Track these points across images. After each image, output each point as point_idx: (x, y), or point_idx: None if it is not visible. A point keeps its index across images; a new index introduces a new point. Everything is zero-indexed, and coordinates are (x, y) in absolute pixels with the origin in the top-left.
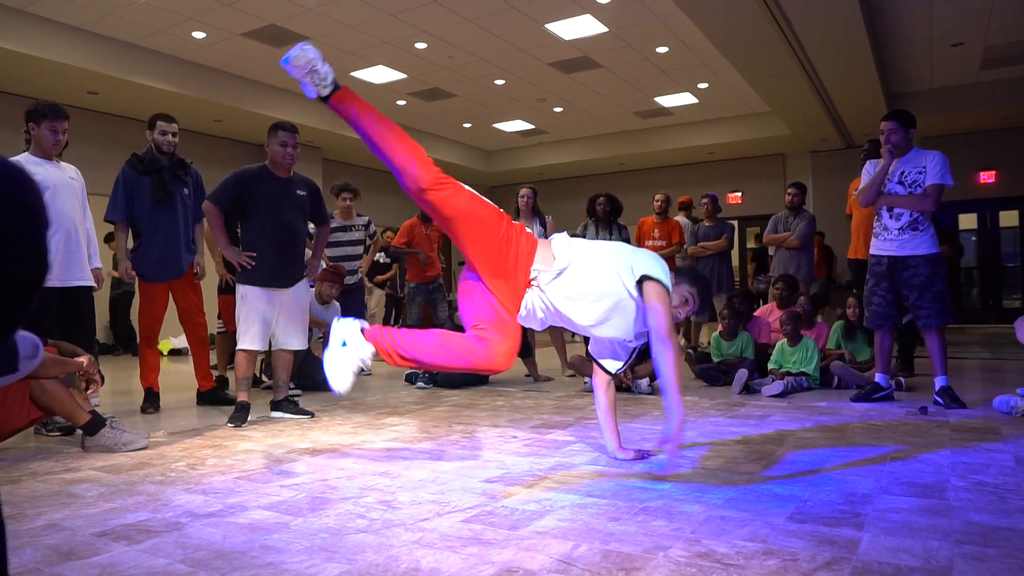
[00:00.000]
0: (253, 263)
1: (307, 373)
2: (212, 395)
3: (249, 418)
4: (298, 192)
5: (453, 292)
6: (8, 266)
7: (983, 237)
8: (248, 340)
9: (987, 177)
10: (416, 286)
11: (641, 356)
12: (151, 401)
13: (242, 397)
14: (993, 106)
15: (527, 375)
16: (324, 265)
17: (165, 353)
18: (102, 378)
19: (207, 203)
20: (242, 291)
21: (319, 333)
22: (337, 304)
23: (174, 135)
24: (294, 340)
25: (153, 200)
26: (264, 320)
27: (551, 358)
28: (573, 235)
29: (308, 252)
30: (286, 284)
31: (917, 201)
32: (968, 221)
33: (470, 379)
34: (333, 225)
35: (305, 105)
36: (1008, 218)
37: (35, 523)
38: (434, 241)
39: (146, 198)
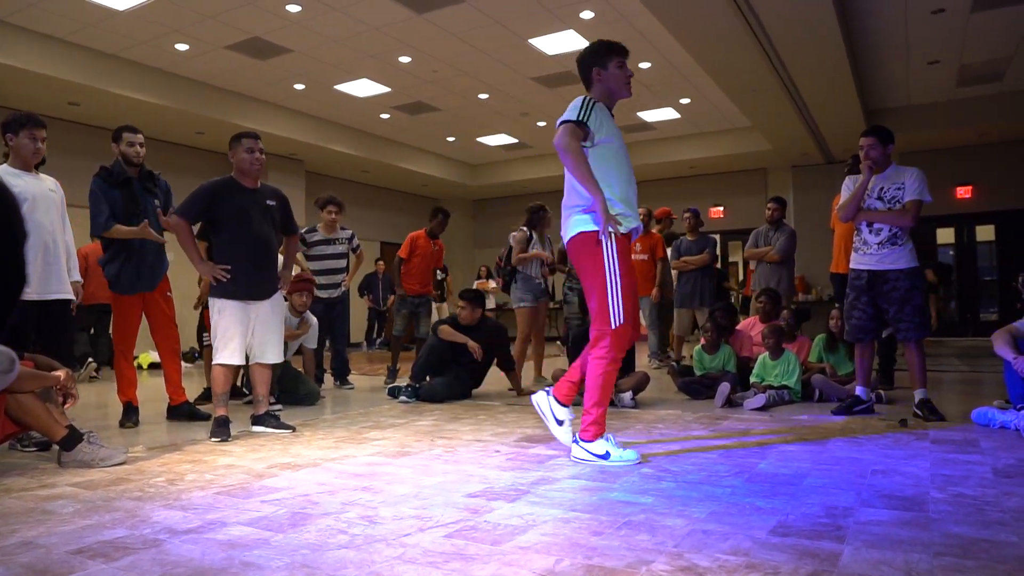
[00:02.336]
0: (228, 276)
1: (287, 387)
2: (183, 410)
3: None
4: (268, 202)
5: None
6: None
7: (960, 251)
8: (227, 355)
9: (964, 192)
10: (403, 298)
11: (625, 369)
12: (129, 415)
13: (221, 412)
14: (969, 123)
15: (510, 389)
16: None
17: (145, 367)
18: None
19: (175, 217)
20: (218, 305)
21: (295, 347)
22: (312, 316)
23: (141, 146)
24: (271, 353)
25: (124, 214)
26: (242, 334)
27: (533, 372)
28: (559, 250)
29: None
30: (262, 296)
31: (896, 217)
32: (945, 236)
33: (453, 393)
34: (317, 238)
35: (289, 118)
36: (984, 232)
37: (9, 541)
38: (434, 258)
39: (118, 211)
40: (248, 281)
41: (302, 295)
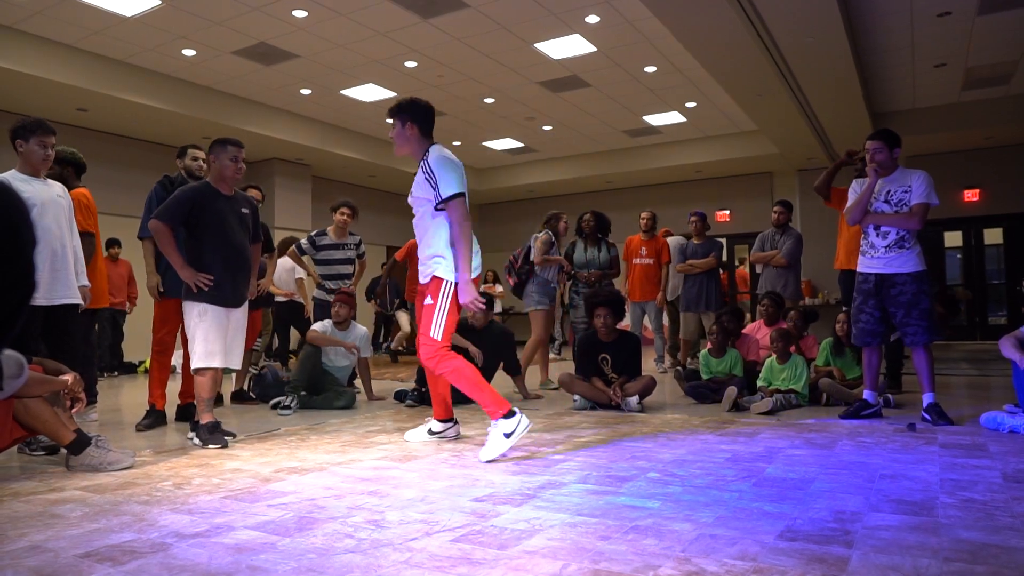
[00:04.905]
0: (211, 284)
1: (319, 389)
2: (188, 411)
3: (236, 436)
4: (243, 210)
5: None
6: None
7: (968, 255)
8: (210, 358)
9: (971, 195)
10: (412, 306)
11: (631, 374)
12: (148, 417)
13: (209, 418)
14: (975, 126)
15: (516, 392)
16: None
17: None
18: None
19: (155, 222)
20: (199, 309)
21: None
22: (361, 327)
23: (204, 161)
24: (237, 360)
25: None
26: (224, 338)
27: (539, 377)
28: (566, 253)
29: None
30: (238, 303)
31: (903, 220)
32: (953, 239)
33: (459, 397)
34: (326, 242)
35: (295, 122)
36: (992, 236)
37: (17, 544)
38: None
39: None
40: (228, 288)
41: (346, 307)
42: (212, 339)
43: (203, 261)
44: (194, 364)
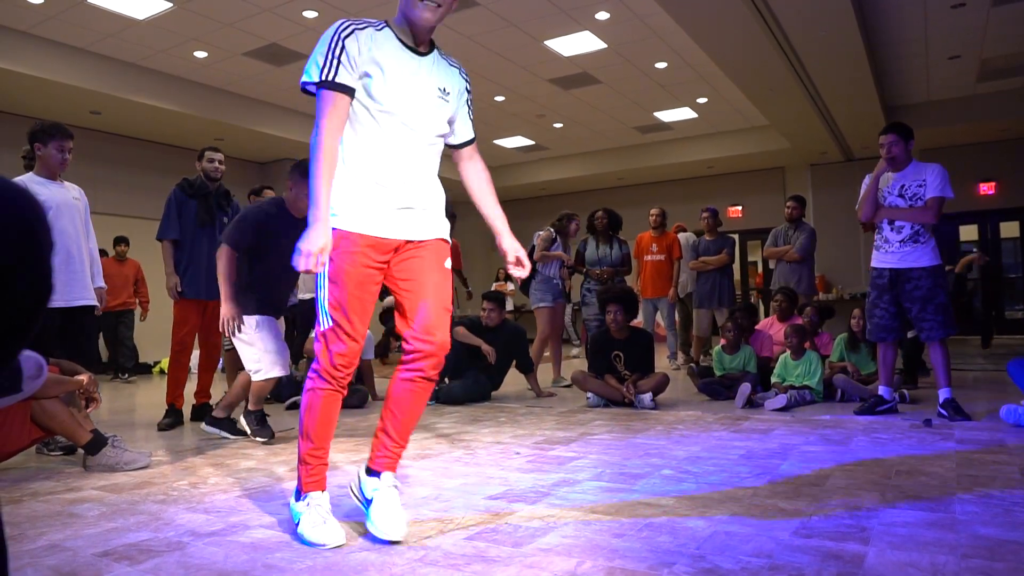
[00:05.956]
0: (240, 328)
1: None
2: (203, 410)
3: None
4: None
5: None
6: (11, 288)
7: (984, 248)
8: (273, 368)
9: (987, 188)
10: None
11: (644, 371)
12: (168, 416)
13: (257, 407)
14: (991, 118)
15: (529, 390)
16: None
17: (156, 372)
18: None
19: (225, 247)
20: (256, 320)
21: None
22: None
23: (220, 163)
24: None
25: (197, 223)
26: (280, 344)
27: (551, 374)
28: (578, 250)
29: None
30: (279, 315)
31: (918, 214)
32: (969, 232)
33: (472, 395)
34: None
35: (307, 123)
36: (1009, 229)
37: (36, 543)
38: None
39: (190, 220)
40: (279, 300)
41: None
42: (269, 348)
43: (264, 278)
44: (261, 376)
